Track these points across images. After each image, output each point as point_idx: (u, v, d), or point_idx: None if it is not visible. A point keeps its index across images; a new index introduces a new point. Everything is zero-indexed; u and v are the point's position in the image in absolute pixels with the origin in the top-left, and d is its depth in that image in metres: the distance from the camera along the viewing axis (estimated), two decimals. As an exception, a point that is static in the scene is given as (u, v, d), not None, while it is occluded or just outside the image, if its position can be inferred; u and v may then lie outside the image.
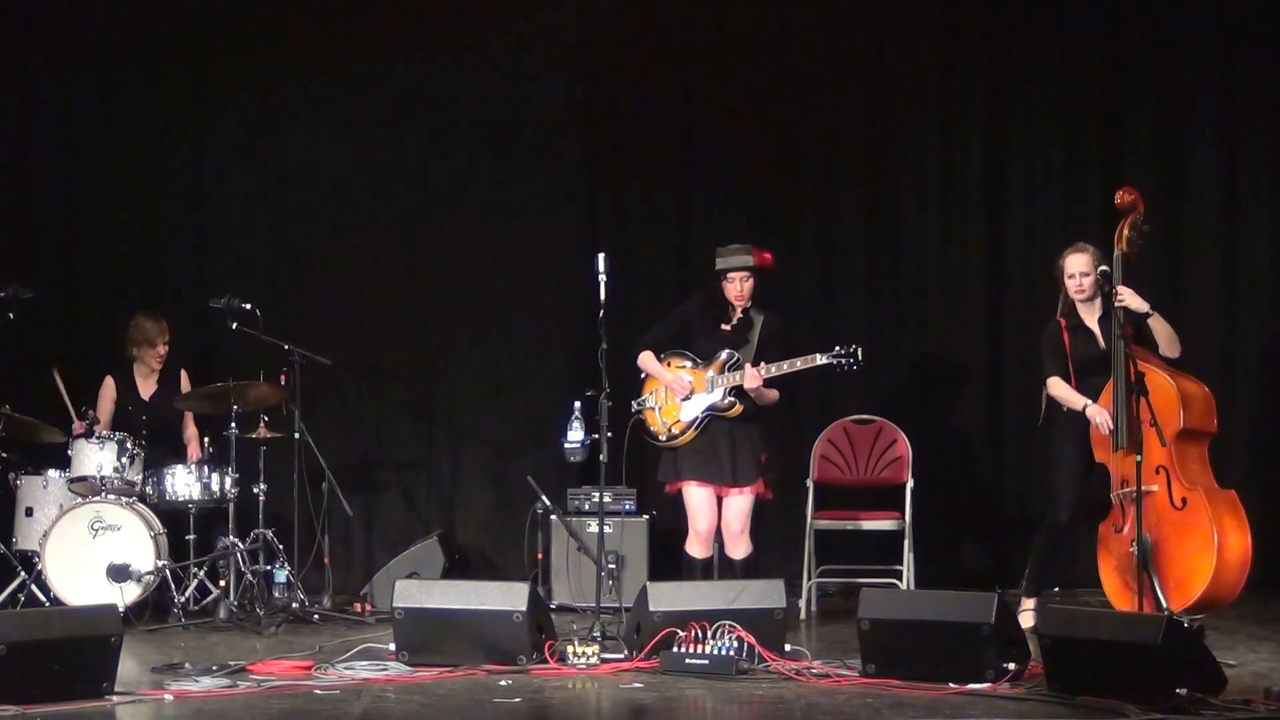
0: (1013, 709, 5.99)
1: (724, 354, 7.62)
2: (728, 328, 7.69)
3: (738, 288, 7.63)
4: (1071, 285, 7.66)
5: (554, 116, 9.68)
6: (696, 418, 7.60)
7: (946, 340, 9.63)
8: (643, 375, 7.79)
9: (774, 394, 7.61)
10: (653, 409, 7.71)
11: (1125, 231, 7.54)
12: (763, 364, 7.47)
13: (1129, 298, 7.41)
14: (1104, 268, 7.50)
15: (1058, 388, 7.67)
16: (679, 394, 7.61)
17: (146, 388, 8.93)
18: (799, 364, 7.47)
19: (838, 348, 7.44)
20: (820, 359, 7.45)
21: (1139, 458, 7.03)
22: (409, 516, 9.68)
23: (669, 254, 9.55)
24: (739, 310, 7.68)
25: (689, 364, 7.70)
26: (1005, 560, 9.39)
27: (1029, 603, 7.72)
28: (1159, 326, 7.51)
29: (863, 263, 9.65)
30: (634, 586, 7.72)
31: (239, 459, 8.41)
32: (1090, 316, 7.68)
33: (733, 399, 7.57)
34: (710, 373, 7.62)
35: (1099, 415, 7.46)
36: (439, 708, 6.10)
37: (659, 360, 7.73)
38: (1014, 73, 9.61)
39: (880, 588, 7.88)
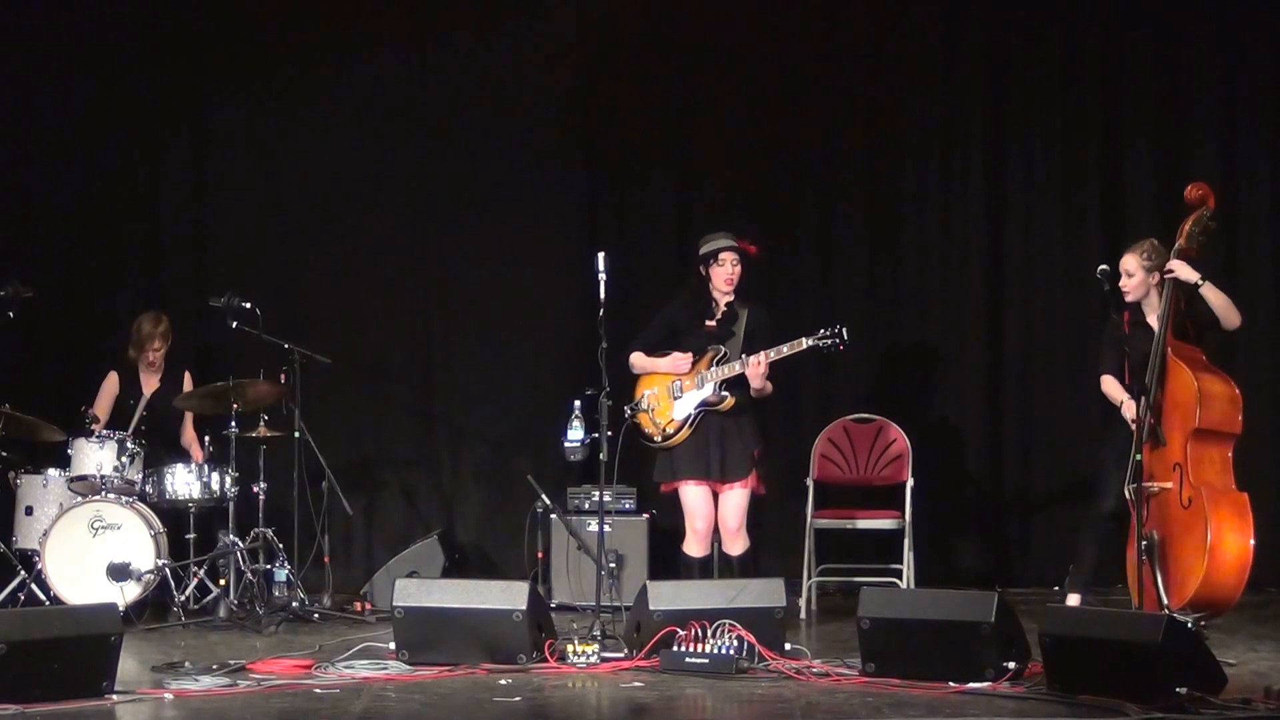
0: (1013, 708, 5.98)
1: (710, 349, 7.62)
2: (713, 323, 7.68)
3: (728, 270, 7.61)
4: (1122, 283, 7.60)
5: (554, 116, 9.69)
6: (690, 415, 7.59)
7: (946, 339, 9.63)
8: (636, 379, 7.79)
9: (769, 385, 7.59)
10: (645, 411, 7.68)
11: (1188, 227, 7.41)
12: (762, 353, 7.45)
13: (1179, 268, 7.35)
14: (1103, 266, 7.47)
15: (1107, 385, 7.66)
16: (681, 369, 7.58)
17: (149, 384, 8.93)
18: (785, 350, 7.45)
19: (823, 330, 7.43)
20: (806, 342, 7.43)
21: (1137, 456, 7.02)
22: (409, 515, 9.68)
23: (669, 254, 9.54)
24: (723, 305, 7.67)
25: (678, 363, 7.71)
26: (1005, 559, 9.41)
27: (1073, 599, 7.63)
28: (1213, 296, 7.41)
29: (862, 263, 9.65)
30: (634, 585, 7.72)
31: (239, 458, 8.41)
32: (1151, 314, 7.58)
33: (725, 393, 7.57)
34: (700, 369, 7.61)
35: (1128, 413, 7.43)
36: (439, 707, 6.09)
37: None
38: (1014, 73, 9.61)
39: (880, 586, 7.85)
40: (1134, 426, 7.37)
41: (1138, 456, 7.00)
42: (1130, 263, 7.57)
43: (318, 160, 9.67)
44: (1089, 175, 9.51)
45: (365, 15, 9.65)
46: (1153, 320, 7.54)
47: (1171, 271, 7.35)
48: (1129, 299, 7.61)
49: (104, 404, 8.82)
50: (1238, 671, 6.45)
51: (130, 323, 8.87)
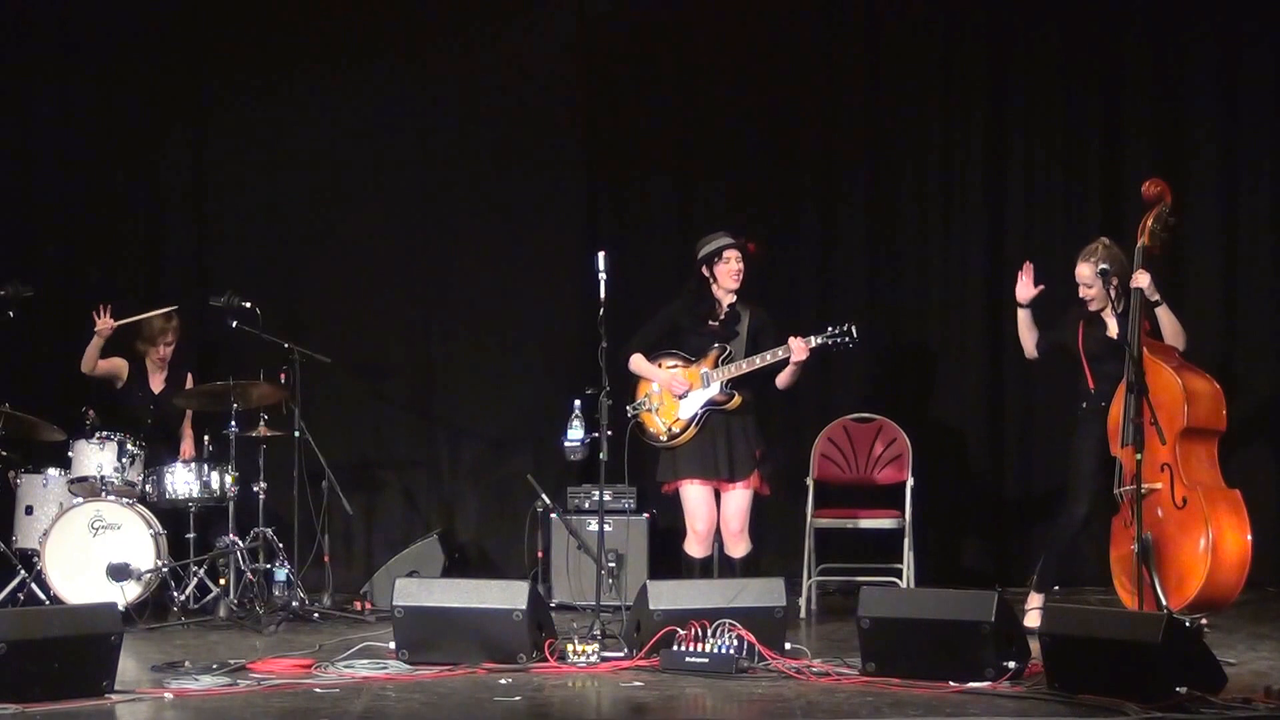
0: (1013, 707, 5.98)
1: (715, 348, 7.62)
2: (715, 324, 7.68)
3: (734, 267, 7.62)
4: (1081, 293, 7.63)
5: (554, 116, 9.69)
6: (696, 414, 7.60)
7: (947, 339, 9.63)
8: (635, 379, 7.79)
9: (795, 376, 7.59)
10: (650, 411, 7.69)
11: (1149, 223, 7.42)
12: (805, 338, 7.43)
13: (1145, 283, 7.35)
14: (1103, 266, 7.47)
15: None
16: (676, 391, 7.60)
17: (156, 382, 8.95)
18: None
19: (830, 328, 7.43)
20: (815, 340, 7.44)
21: (1139, 456, 7.01)
22: (409, 515, 9.68)
23: (669, 254, 9.53)
24: (726, 305, 7.68)
25: (680, 362, 7.69)
26: (1006, 558, 9.40)
27: (1036, 599, 7.66)
28: (1165, 318, 7.47)
29: (862, 263, 9.65)
30: (634, 585, 7.73)
31: (239, 457, 8.41)
32: (1109, 313, 7.62)
33: (731, 391, 7.57)
34: (704, 368, 7.61)
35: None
36: (439, 706, 6.09)
37: (650, 362, 7.72)
38: (1014, 70, 9.60)
39: (880, 586, 7.86)
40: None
41: (1138, 456, 7.00)
42: (1087, 273, 7.57)
43: (318, 160, 9.68)
44: (1089, 175, 9.51)
45: (365, 14, 9.65)
46: (1107, 314, 7.56)
47: (1138, 283, 7.35)
48: (1092, 308, 7.63)
49: (102, 366, 8.76)
50: (1238, 671, 6.44)
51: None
